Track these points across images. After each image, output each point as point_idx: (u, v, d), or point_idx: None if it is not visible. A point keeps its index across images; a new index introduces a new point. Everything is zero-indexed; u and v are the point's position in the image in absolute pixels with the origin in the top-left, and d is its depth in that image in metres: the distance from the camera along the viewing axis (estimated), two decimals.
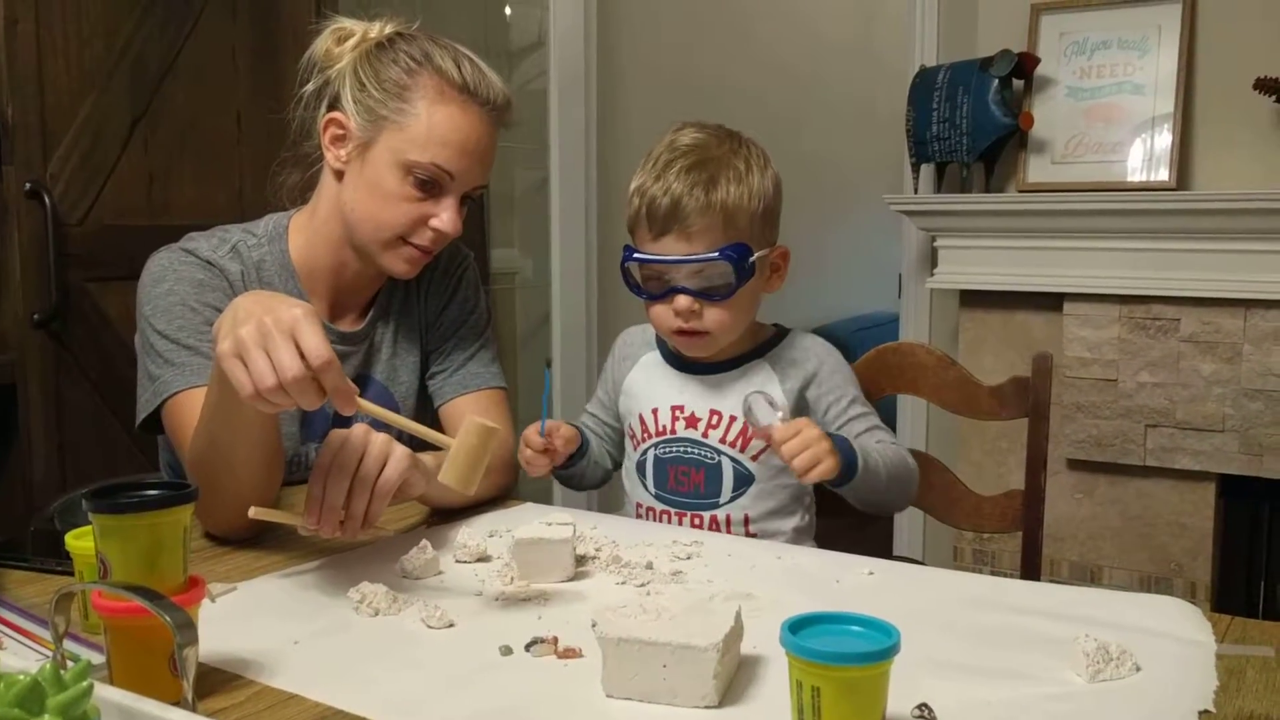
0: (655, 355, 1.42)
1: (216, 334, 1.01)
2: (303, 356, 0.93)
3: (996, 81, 2.55)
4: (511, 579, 1.07)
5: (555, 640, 0.89)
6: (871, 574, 1.10)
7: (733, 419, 1.34)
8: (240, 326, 0.94)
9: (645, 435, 1.39)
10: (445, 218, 1.31)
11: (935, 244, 2.79)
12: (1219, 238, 2.40)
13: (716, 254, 1.26)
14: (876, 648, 0.69)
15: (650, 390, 1.40)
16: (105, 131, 2.17)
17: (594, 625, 0.81)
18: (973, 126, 2.59)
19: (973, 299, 2.78)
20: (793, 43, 4.09)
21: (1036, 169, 2.66)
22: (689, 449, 1.36)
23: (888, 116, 2.96)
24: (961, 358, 2.65)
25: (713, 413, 1.35)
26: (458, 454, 0.99)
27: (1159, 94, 2.53)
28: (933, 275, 2.81)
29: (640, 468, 1.39)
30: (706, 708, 0.78)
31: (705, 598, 0.95)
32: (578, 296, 3.24)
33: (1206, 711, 0.78)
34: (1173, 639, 0.90)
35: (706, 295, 1.28)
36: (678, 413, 1.37)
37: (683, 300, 1.28)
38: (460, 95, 1.30)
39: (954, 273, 2.76)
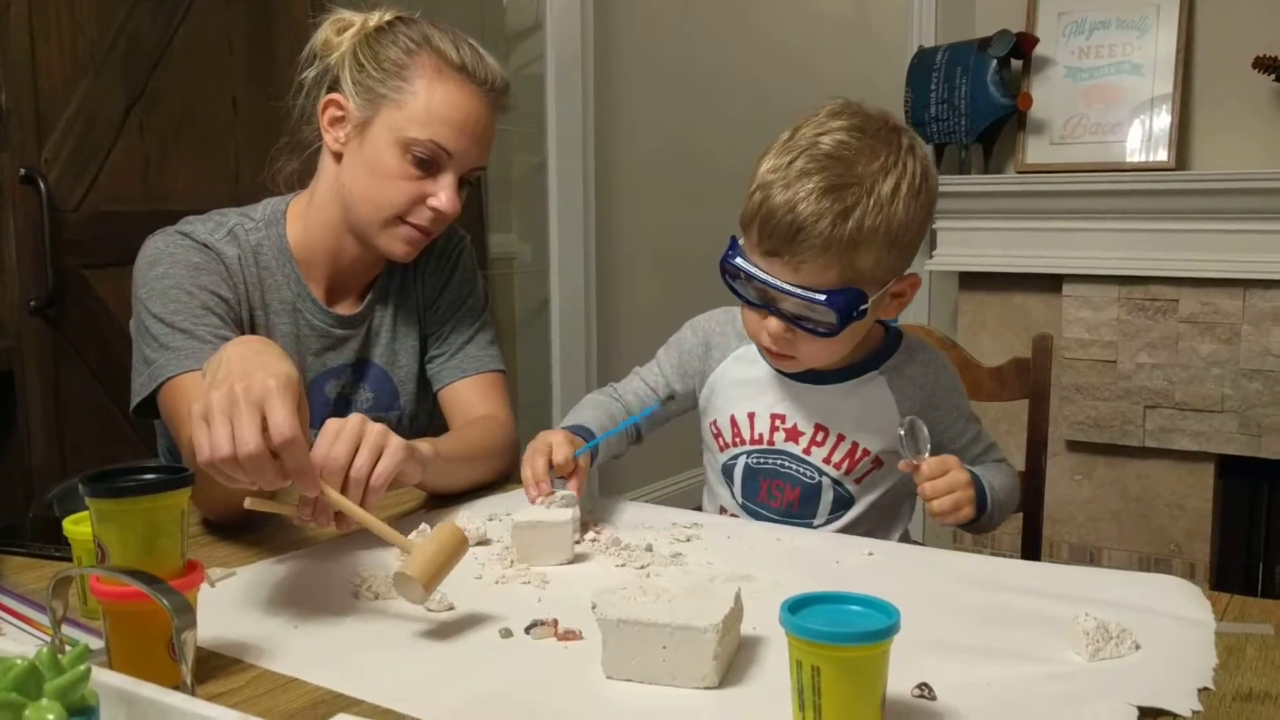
0: (751, 351, 1.31)
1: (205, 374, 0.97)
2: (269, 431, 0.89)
3: (995, 62, 2.54)
4: (511, 562, 1.07)
5: (555, 623, 0.89)
6: (871, 555, 1.10)
7: (840, 437, 1.25)
8: (215, 389, 0.90)
9: (737, 440, 1.30)
10: (443, 197, 1.31)
11: (934, 226, 2.78)
12: (1218, 218, 2.40)
13: (823, 297, 1.11)
14: (876, 627, 0.69)
15: (746, 391, 1.30)
16: (100, 117, 2.16)
17: (594, 607, 0.81)
18: (971, 107, 2.58)
19: (972, 281, 2.78)
20: (791, 24, 4.07)
21: (1035, 150, 2.65)
22: (786, 463, 1.27)
23: (886, 98, 2.94)
24: (960, 339, 2.65)
25: (818, 429, 1.26)
26: (428, 545, 0.91)
27: (1158, 74, 2.52)
28: (931, 257, 2.81)
29: (727, 472, 1.31)
30: (706, 688, 0.78)
31: (705, 579, 0.95)
32: (576, 281, 3.23)
33: (1206, 689, 0.78)
34: (1172, 617, 0.90)
35: (804, 326, 1.15)
36: (778, 422, 1.27)
37: (775, 325, 1.16)
38: (459, 75, 1.30)
39: (953, 254, 2.76)
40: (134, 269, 1.33)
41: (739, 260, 1.16)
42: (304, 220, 1.39)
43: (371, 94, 1.30)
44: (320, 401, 1.40)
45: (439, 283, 1.48)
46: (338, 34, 1.35)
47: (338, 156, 1.35)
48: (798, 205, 1.09)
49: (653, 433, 1.42)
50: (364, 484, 1.05)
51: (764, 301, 1.17)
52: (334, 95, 1.33)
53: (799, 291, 1.12)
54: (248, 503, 1.02)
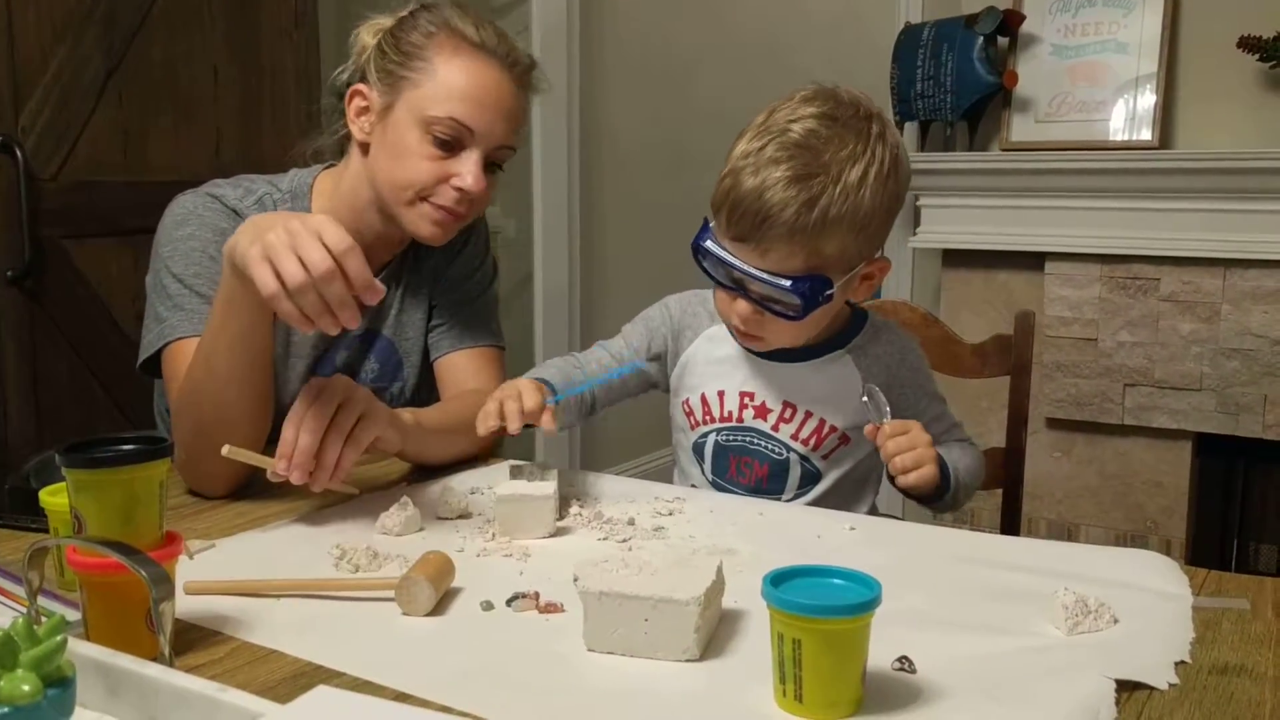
0: (721, 331, 1.32)
1: (231, 250, 1.04)
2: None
3: (981, 39, 2.53)
4: (493, 535, 1.06)
5: (537, 595, 0.89)
6: (853, 529, 1.10)
7: (808, 414, 1.27)
8: (267, 232, 0.99)
9: (707, 418, 1.31)
10: (468, 177, 1.28)
11: (918, 203, 2.78)
12: (1200, 197, 2.41)
13: (788, 283, 1.14)
14: (858, 601, 0.69)
15: (716, 370, 1.31)
16: (78, 85, 2.13)
17: (576, 580, 0.81)
18: (957, 84, 2.58)
19: (955, 258, 2.78)
20: None
21: (1020, 128, 2.65)
22: (755, 440, 1.28)
23: (871, 72, 2.93)
24: (943, 316, 2.65)
25: (786, 405, 1.27)
26: (420, 560, 0.91)
27: (1143, 53, 2.51)
28: (915, 234, 2.81)
29: (698, 450, 1.32)
30: (688, 661, 0.78)
31: (687, 553, 0.95)
32: (560, 256, 3.22)
33: (1183, 662, 0.78)
34: (1150, 592, 0.91)
35: (771, 309, 1.18)
36: (747, 400, 1.28)
37: (744, 307, 1.19)
38: (478, 51, 1.29)
39: (936, 232, 2.76)
40: (159, 226, 1.33)
41: (709, 243, 1.18)
42: (330, 199, 1.39)
43: (392, 78, 1.29)
44: (331, 371, 1.40)
45: (450, 255, 1.48)
46: (372, 37, 1.35)
47: (365, 147, 1.34)
48: (765, 193, 1.11)
49: (609, 407, 1.39)
50: (342, 440, 1.06)
51: (733, 284, 1.19)
52: (359, 86, 1.32)
53: (765, 276, 1.14)
54: (226, 450, 1.04)
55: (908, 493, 1.20)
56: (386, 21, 1.35)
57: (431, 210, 1.30)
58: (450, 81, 1.27)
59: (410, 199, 1.30)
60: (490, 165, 1.32)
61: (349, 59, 1.37)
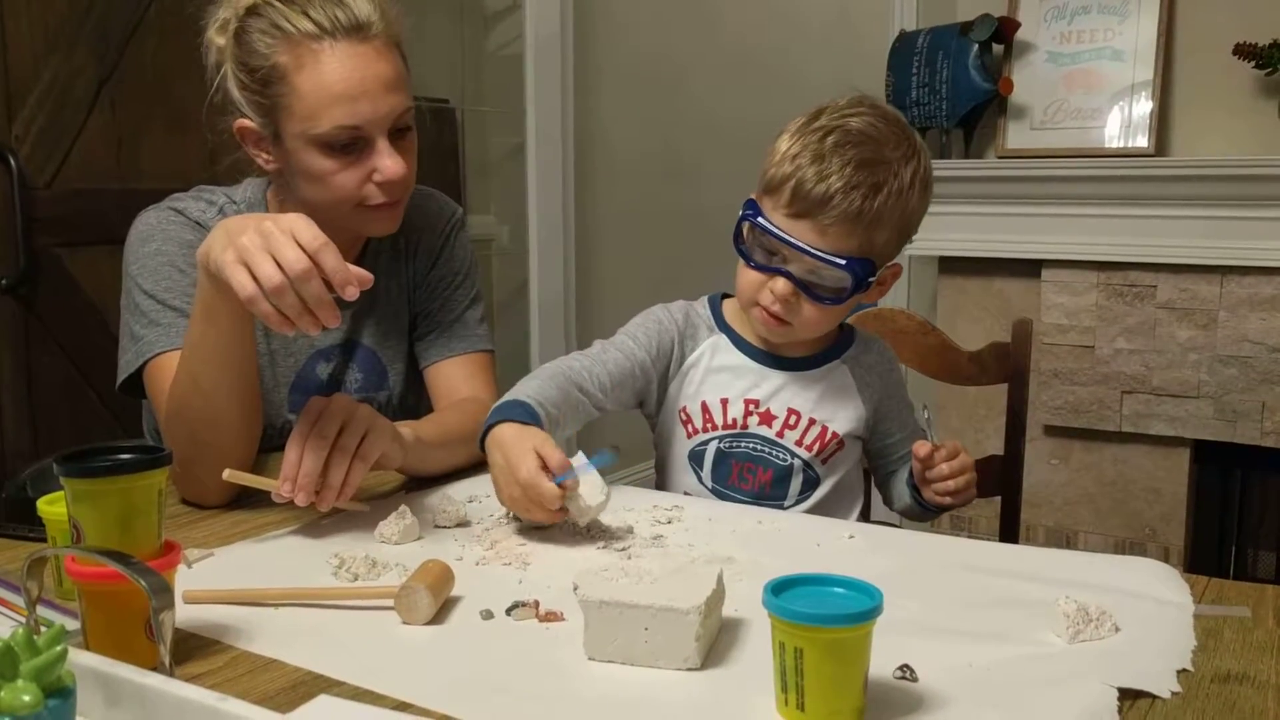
0: (723, 340, 1.33)
1: (204, 255, 1.03)
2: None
3: (976, 46, 2.54)
4: (492, 544, 1.06)
5: (536, 604, 0.88)
6: (852, 538, 1.10)
7: (812, 421, 1.29)
8: (240, 235, 0.97)
9: (708, 425, 1.31)
10: (383, 165, 1.24)
11: None
12: (1197, 204, 2.41)
13: (844, 262, 1.18)
14: (859, 609, 0.69)
15: (718, 378, 1.32)
16: (71, 93, 2.13)
17: (575, 588, 0.81)
18: (952, 92, 2.58)
19: (951, 266, 2.79)
20: (771, 4, 4.06)
21: (1015, 135, 2.66)
22: (759, 446, 1.30)
23: (867, 78, 2.94)
24: (940, 324, 2.65)
25: (791, 413, 1.29)
26: (420, 569, 0.90)
27: (1138, 60, 2.52)
28: (911, 241, 2.80)
29: (696, 457, 1.32)
30: (689, 670, 0.78)
31: (686, 561, 0.95)
32: (555, 264, 3.22)
33: (1185, 671, 0.78)
34: (1151, 600, 0.91)
35: (811, 291, 1.21)
36: (751, 407, 1.30)
37: (783, 286, 1.20)
38: (318, 44, 1.21)
39: (932, 239, 2.76)
40: (126, 244, 1.31)
41: (761, 220, 1.21)
42: (285, 208, 1.37)
43: (263, 108, 1.24)
44: (314, 383, 1.39)
45: (430, 259, 1.45)
46: (220, 34, 1.28)
47: (278, 173, 1.31)
48: (831, 178, 1.16)
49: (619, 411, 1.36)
50: (349, 460, 1.05)
51: (774, 264, 1.21)
52: (242, 122, 1.28)
53: (821, 254, 1.18)
54: (227, 474, 1.03)
55: (940, 508, 1.27)
56: (226, 13, 1.26)
57: (369, 210, 1.27)
58: (316, 94, 1.20)
59: (347, 210, 1.27)
60: (400, 131, 1.26)
61: (216, 66, 1.29)
